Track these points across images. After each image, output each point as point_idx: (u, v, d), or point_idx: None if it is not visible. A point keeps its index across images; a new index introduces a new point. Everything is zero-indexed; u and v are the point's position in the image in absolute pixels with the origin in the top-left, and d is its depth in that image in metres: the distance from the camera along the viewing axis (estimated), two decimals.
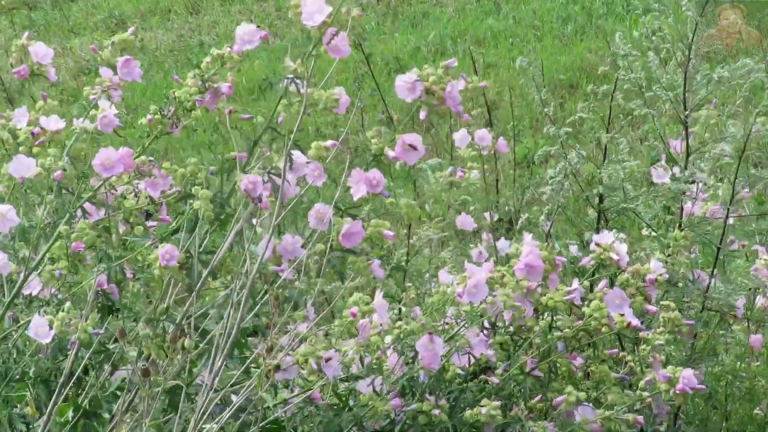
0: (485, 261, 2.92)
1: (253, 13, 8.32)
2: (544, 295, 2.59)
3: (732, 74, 3.16)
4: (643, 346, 2.72)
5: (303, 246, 2.52)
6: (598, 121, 3.26)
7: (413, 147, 2.55)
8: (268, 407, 2.48)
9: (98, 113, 2.60)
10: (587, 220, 3.19)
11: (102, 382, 2.51)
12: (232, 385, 2.36)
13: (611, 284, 2.70)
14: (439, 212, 4.40)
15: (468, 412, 2.52)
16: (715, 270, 3.13)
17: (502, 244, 3.32)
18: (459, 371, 2.60)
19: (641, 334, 2.72)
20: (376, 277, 2.58)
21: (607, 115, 3.33)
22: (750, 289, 3.08)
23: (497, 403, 2.52)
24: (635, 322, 2.57)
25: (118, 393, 2.51)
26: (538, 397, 2.64)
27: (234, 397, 2.31)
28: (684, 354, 3.00)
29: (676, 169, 3.17)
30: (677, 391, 2.55)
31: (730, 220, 3.18)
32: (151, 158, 2.64)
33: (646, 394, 2.60)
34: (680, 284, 2.96)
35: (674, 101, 3.17)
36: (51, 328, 2.42)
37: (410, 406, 2.56)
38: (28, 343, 2.56)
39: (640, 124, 5.41)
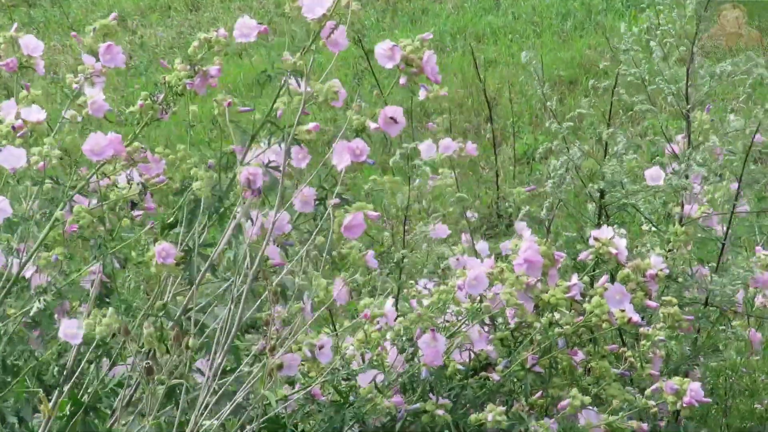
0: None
1: (252, 9, 8.31)
2: (545, 292, 2.59)
3: (734, 68, 3.16)
4: (644, 342, 2.72)
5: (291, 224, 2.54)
6: (598, 117, 3.26)
7: (394, 119, 2.57)
8: (269, 404, 2.48)
9: (87, 99, 2.59)
10: (587, 216, 3.18)
11: (101, 377, 2.51)
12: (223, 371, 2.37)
13: (612, 279, 2.70)
14: (439, 209, 4.39)
15: (473, 416, 2.52)
16: (718, 266, 3.13)
17: (482, 246, 3.32)
18: (459, 367, 2.60)
19: (641, 330, 2.72)
20: (370, 268, 2.60)
21: (607, 111, 3.33)
22: (742, 282, 3.07)
23: (502, 408, 2.51)
24: (636, 317, 2.57)
25: (118, 390, 2.51)
26: (538, 394, 2.64)
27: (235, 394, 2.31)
28: (687, 349, 3.00)
29: (675, 165, 3.17)
30: (684, 404, 2.55)
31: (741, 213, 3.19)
32: (143, 147, 2.64)
33: (652, 403, 2.60)
34: (680, 279, 2.96)
35: (676, 96, 3.17)
36: (83, 329, 2.40)
37: (413, 405, 2.56)
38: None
39: (641, 120, 5.41)
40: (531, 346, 2.60)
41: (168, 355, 2.25)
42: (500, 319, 2.71)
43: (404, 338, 2.57)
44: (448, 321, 2.64)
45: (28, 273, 2.59)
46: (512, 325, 2.65)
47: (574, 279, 2.60)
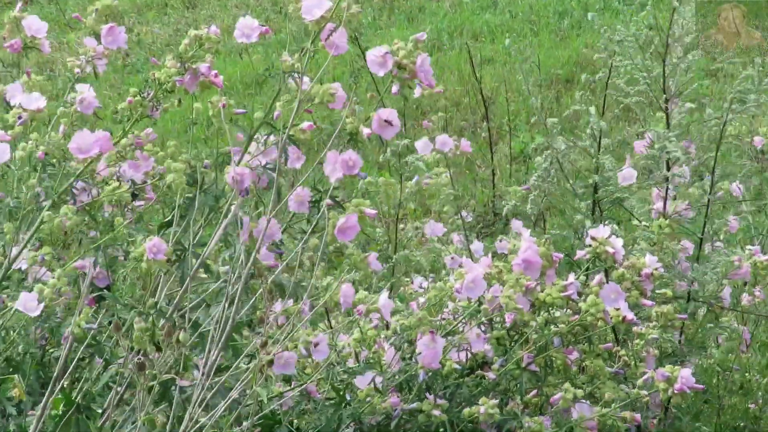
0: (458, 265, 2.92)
1: (249, 7, 8.31)
2: (542, 291, 2.59)
3: (730, 66, 3.16)
4: (637, 341, 2.72)
5: (284, 231, 2.53)
6: (595, 112, 3.25)
7: (389, 122, 2.55)
8: (263, 401, 2.48)
9: (76, 96, 2.57)
10: (578, 211, 3.18)
11: (95, 375, 2.51)
12: (219, 368, 2.37)
13: (606, 277, 2.70)
14: (435, 208, 4.38)
15: (466, 411, 2.52)
16: (699, 260, 3.13)
17: (477, 246, 3.32)
18: (456, 366, 2.60)
19: (634, 328, 2.73)
20: (373, 271, 2.58)
21: (601, 104, 3.33)
22: (722, 270, 3.07)
23: (495, 401, 2.51)
24: (630, 316, 2.58)
25: (111, 385, 2.51)
26: (533, 392, 2.65)
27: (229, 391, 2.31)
28: (671, 347, 3.00)
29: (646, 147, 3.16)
30: (675, 391, 2.56)
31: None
32: (139, 139, 2.62)
33: (644, 392, 2.60)
34: (664, 273, 2.95)
35: (652, 84, 3.16)
36: (40, 300, 2.40)
37: (410, 405, 2.56)
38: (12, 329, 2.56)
39: (636, 119, 5.41)
40: (527, 344, 2.60)
41: (159, 352, 2.25)
42: (497, 318, 2.71)
43: (404, 340, 2.57)
44: (444, 319, 2.64)
45: (23, 265, 2.58)
46: (508, 324, 2.65)
47: (571, 278, 2.61)
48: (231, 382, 2.34)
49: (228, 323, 2.28)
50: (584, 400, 2.58)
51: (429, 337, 2.51)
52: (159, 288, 2.55)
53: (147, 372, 2.22)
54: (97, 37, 2.68)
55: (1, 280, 2.54)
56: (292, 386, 2.56)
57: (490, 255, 2.62)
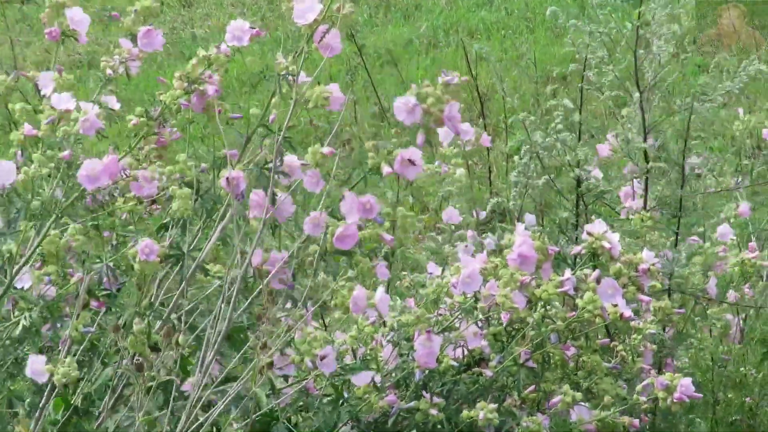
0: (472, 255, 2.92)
1: (245, 5, 8.31)
2: (538, 286, 2.59)
3: (725, 63, 3.17)
4: (634, 336, 2.73)
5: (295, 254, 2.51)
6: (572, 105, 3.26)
7: (412, 162, 2.50)
8: (261, 402, 2.48)
9: (80, 116, 2.52)
10: (562, 213, 3.19)
11: (93, 378, 2.51)
12: (227, 378, 2.37)
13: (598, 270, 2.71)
14: (429, 205, 4.37)
15: (465, 413, 2.53)
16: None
17: (489, 241, 3.32)
18: (453, 363, 2.61)
19: (632, 323, 2.73)
20: (380, 279, 2.56)
21: (578, 97, 3.33)
22: (705, 261, 3.07)
23: (493, 405, 2.52)
24: (628, 312, 2.58)
25: (108, 383, 2.51)
26: (531, 388, 2.65)
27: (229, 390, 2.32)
28: (660, 340, 3.00)
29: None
30: (675, 399, 2.56)
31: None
32: (162, 138, 2.59)
33: (643, 398, 2.61)
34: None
35: (624, 77, 3.17)
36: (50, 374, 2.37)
37: (407, 404, 2.56)
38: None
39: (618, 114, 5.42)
40: (524, 341, 2.61)
41: (156, 353, 2.25)
42: (494, 315, 2.71)
43: (401, 337, 2.58)
44: (441, 315, 2.64)
45: (25, 284, 2.54)
46: (505, 322, 2.65)
47: (567, 273, 2.61)
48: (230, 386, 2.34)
49: (224, 325, 2.29)
50: (583, 402, 2.58)
51: (425, 336, 2.51)
52: (156, 290, 2.55)
53: (145, 373, 2.22)
54: (133, 38, 2.65)
55: (5, 291, 2.52)
56: (290, 383, 2.57)
57: (485, 251, 2.63)
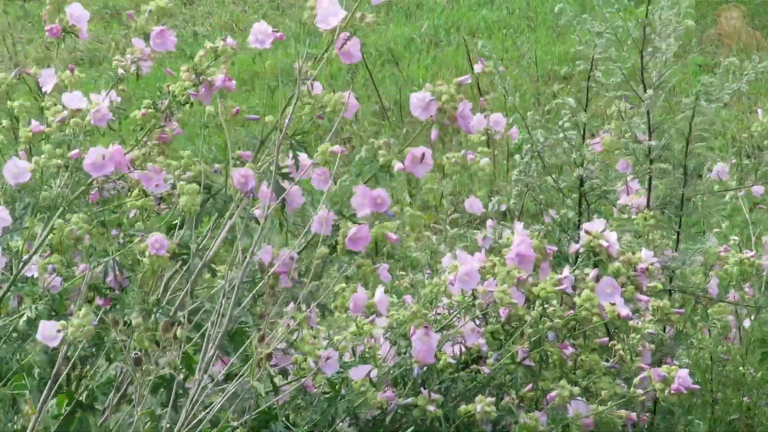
0: (488, 247, 2.93)
1: (246, 3, 8.31)
2: (536, 285, 2.60)
3: (730, 66, 3.17)
4: (633, 335, 2.73)
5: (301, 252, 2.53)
6: (576, 104, 3.26)
7: (423, 160, 2.53)
8: (261, 395, 2.49)
9: (91, 108, 2.56)
10: (564, 212, 3.19)
11: (96, 373, 2.51)
12: (229, 376, 2.38)
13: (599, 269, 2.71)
14: (432, 202, 4.39)
15: (462, 408, 2.53)
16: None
17: (484, 239, 3.32)
18: (451, 360, 2.61)
19: (630, 322, 2.73)
20: (383, 281, 2.57)
21: (584, 97, 3.33)
22: (707, 261, 3.08)
23: (491, 399, 2.52)
24: (626, 312, 2.58)
25: (113, 381, 2.52)
26: (528, 387, 2.65)
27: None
28: (657, 340, 3.01)
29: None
30: (672, 391, 2.57)
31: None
32: (164, 134, 2.61)
33: (640, 391, 2.61)
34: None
35: (628, 77, 3.17)
36: (60, 331, 2.38)
37: (405, 400, 2.57)
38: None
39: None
40: (521, 339, 2.61)
41: (159, 349, 2.26)
42: (492, 312, 2.71)
43: (398, 333, 2.58)
44: (439, 314, 2.64)
45: (35, 273, 2.55)
46: (503, 319, 2.65)
47: (566, 271, 2.61)
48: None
49: (226, 321, 2.29)
50: (580, 397, 2.59)
51: (423, 331, 2.51)
52: (163, 288, 2.56)
53: (144, 367, 2.23)
54: (146, 37, 2.67)
55: (11, 284, 2.53)
56: (289, 381, 2.57)
57: (483, 250, 2.63)
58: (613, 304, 2.58)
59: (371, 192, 2.50)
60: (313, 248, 2.55)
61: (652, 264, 2.64)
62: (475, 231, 3.43)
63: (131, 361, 2.24)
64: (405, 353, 2.60)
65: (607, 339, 2.77)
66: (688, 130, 3.13)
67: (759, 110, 3.42)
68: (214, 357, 2.28)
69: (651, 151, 3.13)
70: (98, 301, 2.54)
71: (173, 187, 2.58)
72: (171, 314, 2.48)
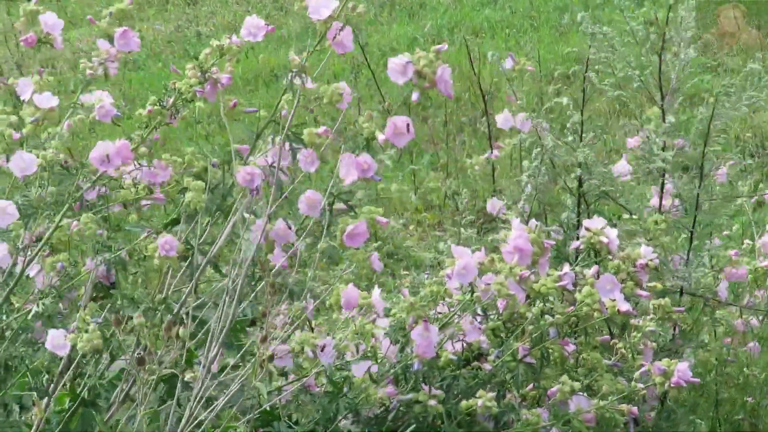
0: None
1: (249, 3, 8.32)
2: (536, 282, 2.60)
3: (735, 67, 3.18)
4: (634, 333, 2.73)
5: (297, 233, 2.54)
6: (572, 105, 3.27)
7: (403, 129, 2.55)
8: (263, 396, 2.49)
9: (96, 103, 2.59)
10: (564, 213, 3.19)
11: (100, 371, 2.52)
12: (223, 368, 2.38)
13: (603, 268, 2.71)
14: (435, 202, 4.39)
15: (464, 403, 2.54)
16: (690, 254, 3.14)
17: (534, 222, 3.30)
18: (452, 357, 2.61)
19: (632, 321, 2.74)
20: (375, 269, 2.59)
21: (581, 98, 3.34)
22: (711, 268, 3.08)
23: (492, 394, 2.53)
24: (626, 307, 2.59)
25: (116, 383, 2.53)
26: (530, 386, 2.66)
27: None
28: (663, 341, 3.01)
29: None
30: (672, 384, 2.57)
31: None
32: (157, 135, 2.64)
33: (640, 385, 2.62)
34: (656, 268, 2.96)
35: (645, 83, 3.18)
36: (69, 342, 2.40)
37: (406, 396, 2.57)
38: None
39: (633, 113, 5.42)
40: (522, 336, 2.61)
41: (162, 348, 2.26)
42: (493, 309, 2.72)
43: (397, 327, 2.58)
44: (440, 312, 2.65)
45: (32, 272, 2.58)
46: (503, 315, 2.65)
47: (566, 268, 2.62)
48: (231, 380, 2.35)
49: (229, 318, 2.30)
50: (582, 393, 2.59)
51: (422, 326, 2.52)
52: (166, 285, 2.57)
53: (147, 367, 2.23)
54: (110, 39, 2.69)
55: (13, 286, 2.54)
56: (291, 380, 2.58)
57: (484, 248, 2.63)
58: (614, 300, 2.58)
59: (357, 158, 2.52)
60: (307, 235, 2.56)
61: (651, 260, 2.65)
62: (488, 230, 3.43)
63: (134, 361, 2.25)
64: (404, 350, 2.60)
65: (608, 337, 2.77)
66: (706, 131, 3.14)
67: None
68: (218, 355, 2.29)
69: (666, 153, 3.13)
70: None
71: (150, 191, 2.62)
72: (175, 312, 2.49)
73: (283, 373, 2.60)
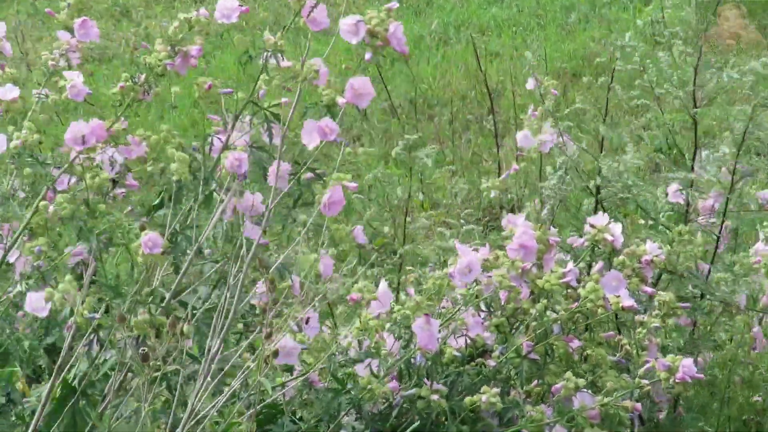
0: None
1: (256, 1, 8.32)
2: (540, 278, 2.59)
3: (741, 76, 3.18)
4: (639, 329, 2.73)
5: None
6: (596, 113, 3.27)
7: (362, 90, 2.54)
8: (266, 391, 2.48)
9: (66, 83, 2.59)
10: (583, 212, 3.19)
11: (94, 362, 2.51)
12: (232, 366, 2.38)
13: (609, 266, 2.71)
14: (440, 201, 4.37)
15: (468, 399, 2.53)
16: (714, 260, 3.14)
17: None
18: (456, 353, 2.61)
19: (637, 317, 2.73)
20: (358, 243, 2.59)
21: (604, 106, 3.33)
22: (748, 279, 3.08)
23: (496, 390, 2.52)
24: (630, 303, 2.58)
25: (110, 374, 2.52)
26: (535, 382, 2.65)
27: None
28: (683, 341, 3.01)
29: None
30: (677, 380, 2.56)
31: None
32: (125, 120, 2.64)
33: (645, 381, 2.61)
34: (684, 275, 2.96)
35: (683, 98, 3.18)
36: (48, 301, 2.40)
37: (409, 391, 2.57)
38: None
39: (644, 112, 5.42)
40: (526, 332, 2.61)
41: (159, 342, 2.25)
42: (497, 307, 2.71)
43: (401, 325, 2.58)
44: (444, 308, 2.64)
45: (12, 258, 2.59)
46: (507, 311, 2.65)
47: (570, 265, 2.61)
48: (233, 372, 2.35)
49: (230, 314, 2.29)
50: (586, 390, 2.58)
51: (423, 319, 2.51)
52: (153, 275, 2.56)
53: (151, 363, 2.23)
54: (71, 30, 2.70)
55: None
56: (295, 376, 2.57)
57: (488, 245, 2.63)
58: (618, 296, 2.58)
59: (318, 123, 2.51)
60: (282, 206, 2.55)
61: (656, 256, 2.64)
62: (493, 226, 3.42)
63: (139, 357, 2.24)
64: (408, 345, 2.59)
65: (613, 333, 2.76)
66: (741, 139, 3.14)
67: None
68: (219, 351, 2.29)
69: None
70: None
71: (128, 169, 2.61)
72: (166, 302, 2.48)
73: (288, 369, 2.60)
